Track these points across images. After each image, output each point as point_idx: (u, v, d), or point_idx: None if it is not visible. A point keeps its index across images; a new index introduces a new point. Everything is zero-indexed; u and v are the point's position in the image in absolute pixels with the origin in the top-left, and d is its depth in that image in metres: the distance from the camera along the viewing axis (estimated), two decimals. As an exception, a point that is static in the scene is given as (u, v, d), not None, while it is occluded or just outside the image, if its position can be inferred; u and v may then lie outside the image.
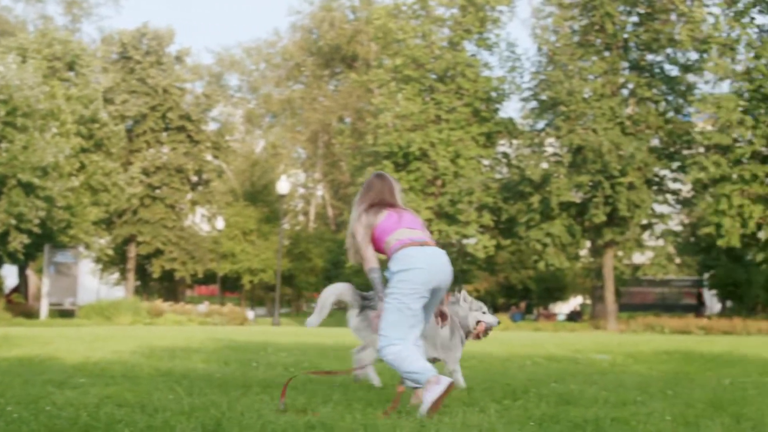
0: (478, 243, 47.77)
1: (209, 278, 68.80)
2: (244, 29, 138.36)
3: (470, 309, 9.89)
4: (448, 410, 7.23)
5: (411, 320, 7.61)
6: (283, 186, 46.09)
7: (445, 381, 7.16)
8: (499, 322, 10.08)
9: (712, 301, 73.57)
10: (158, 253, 60.14)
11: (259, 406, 7.17)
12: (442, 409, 7.27)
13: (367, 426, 6.22)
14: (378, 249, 7.94)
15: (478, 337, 9.91)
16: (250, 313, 54.94)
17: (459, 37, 48.91)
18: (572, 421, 6.62)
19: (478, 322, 9.81)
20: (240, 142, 75.45)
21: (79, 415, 6.36)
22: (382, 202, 8.13)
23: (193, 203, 63.42)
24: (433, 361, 9.29)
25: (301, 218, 77.99)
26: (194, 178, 62.93)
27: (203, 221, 66.38)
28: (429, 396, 7.13)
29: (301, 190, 78.33)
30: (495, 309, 70.78)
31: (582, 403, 7.99)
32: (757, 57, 42.85)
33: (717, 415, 7.13)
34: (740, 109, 42.50)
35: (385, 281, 7.74)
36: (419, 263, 7.65)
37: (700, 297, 53.11)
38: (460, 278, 69.64)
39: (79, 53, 49.70)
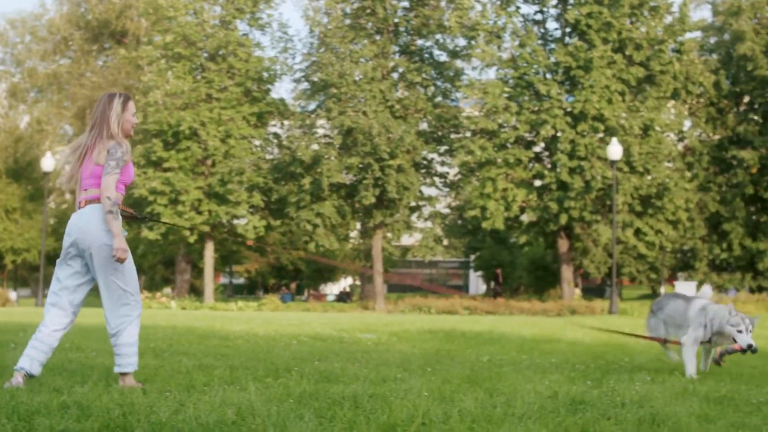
0: (249, 223, 47.56)
1: (-31, 258, 66.39)
2: (7, 0, 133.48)
3: (727, 322, 9.43)
4: (207, 389, 7.18)
5: (61, 284, 7.71)
6: (48, 163, 44.73)
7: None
8: (746, 351, 9.35)
9: (477, 282, 75.68)
10: None
11: (12, 387, 6.97)
12: (202, 388, 7.22)
13: (123, 405, 6.11)
14: None
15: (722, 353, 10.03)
16: (13, 294, 53.19)
17: (231, 16, 48.45)
18: (331, 397, 6.68)
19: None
20: (3, 117, 72.92)
21: None
22: (92, 131, 7.79)
23: (-48, 180, 61.05)
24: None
25: (68, 196, 75.95)
26: (-47, 154, 60.56)
27: (-37, 199, 63.96)
28: None
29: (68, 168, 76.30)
30: (265, 290, 70.94)
31: (343, 381, 8.08)
32: (521, 45, 44.16)
33: (472, 391, 7.32)
34: (505, 95, 43.77)
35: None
36: (66, 230, 7.68)
37: (497, 278, 54.20)
38: (230, 259, 69.46)
39: None
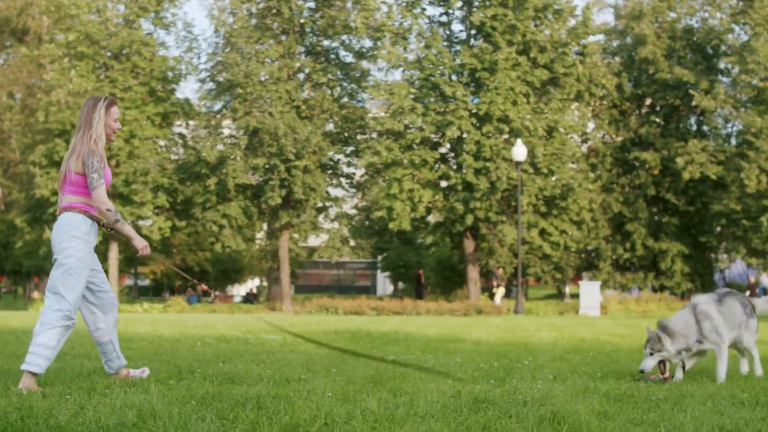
0: (154, 224, 47.11)
1: None
2: None
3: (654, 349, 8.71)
4: (109, 391, 7.10)
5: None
6: (-54, 164, 43.90)
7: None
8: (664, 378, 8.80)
9: (384, 282, 75.84)
10: None
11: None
12: (103, 391, 7.15)
13: (21, 409, 6.02)
14: None
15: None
16: None
17: (135, 15, 47.91)
18: (234, 399, 6.65)
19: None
20: None
21: None
22: (77, 134, 8.07)
23: None
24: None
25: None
26: None
27: None
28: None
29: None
30: (171, 291, 70.30)
31: (246, 382, 8.05)
32: (427, 47, 44.40)
33: (376, 391, 7.33)
34: (411, 96, 43.95)
35: None
36: None
37: (419, 279, 53.96)
38: (135, 260, 68.73)
39: None
